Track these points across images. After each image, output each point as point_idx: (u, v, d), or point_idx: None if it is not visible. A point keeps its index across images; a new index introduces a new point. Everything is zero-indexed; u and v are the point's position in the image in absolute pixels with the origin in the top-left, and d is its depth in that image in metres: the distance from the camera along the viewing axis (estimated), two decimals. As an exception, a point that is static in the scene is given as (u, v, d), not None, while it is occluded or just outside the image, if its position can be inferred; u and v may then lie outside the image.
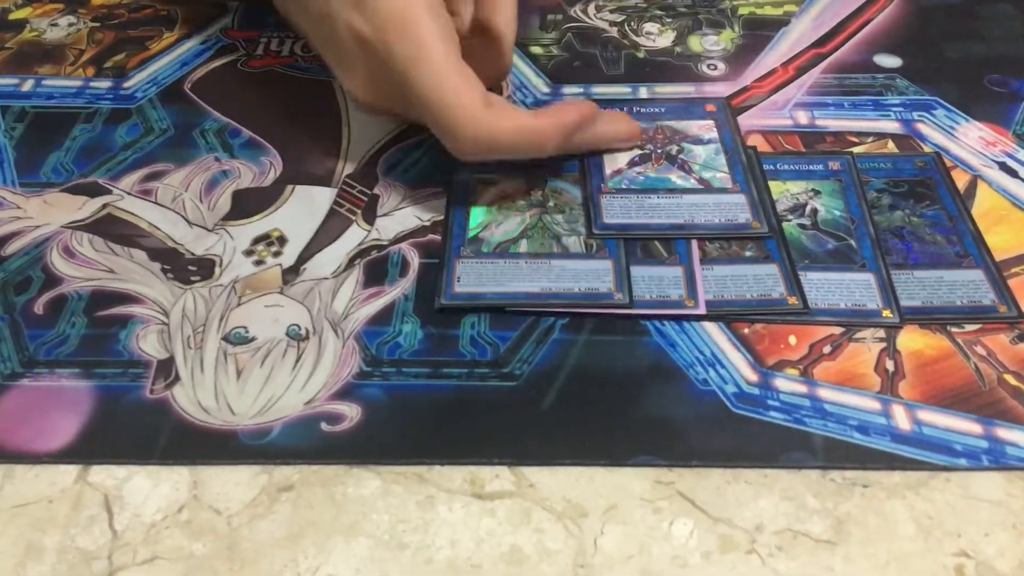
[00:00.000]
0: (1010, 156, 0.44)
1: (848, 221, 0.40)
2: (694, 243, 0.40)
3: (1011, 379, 0.35)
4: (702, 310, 0.37)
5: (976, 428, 0.33)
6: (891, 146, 0.45)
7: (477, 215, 0.41)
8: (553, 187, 0.43)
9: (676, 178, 0.43)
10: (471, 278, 0.38)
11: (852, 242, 0.40)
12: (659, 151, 0.44)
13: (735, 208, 0.41)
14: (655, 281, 0.38)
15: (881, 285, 0.38)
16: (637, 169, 0.43)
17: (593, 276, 0.38)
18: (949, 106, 0.47)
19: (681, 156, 0.44)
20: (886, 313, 0.37)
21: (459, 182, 0.43)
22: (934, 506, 0.32)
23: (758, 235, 0.40)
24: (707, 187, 0.42)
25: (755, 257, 0.39)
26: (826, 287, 0.38)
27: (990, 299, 0.37)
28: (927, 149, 0.44)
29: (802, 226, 0.40)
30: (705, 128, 0.46)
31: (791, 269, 0.38)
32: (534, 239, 0.40)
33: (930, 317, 0.37)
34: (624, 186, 0.42)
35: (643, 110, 0.47)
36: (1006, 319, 0.37)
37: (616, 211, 0.41)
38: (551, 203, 0.42)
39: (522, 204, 0.42)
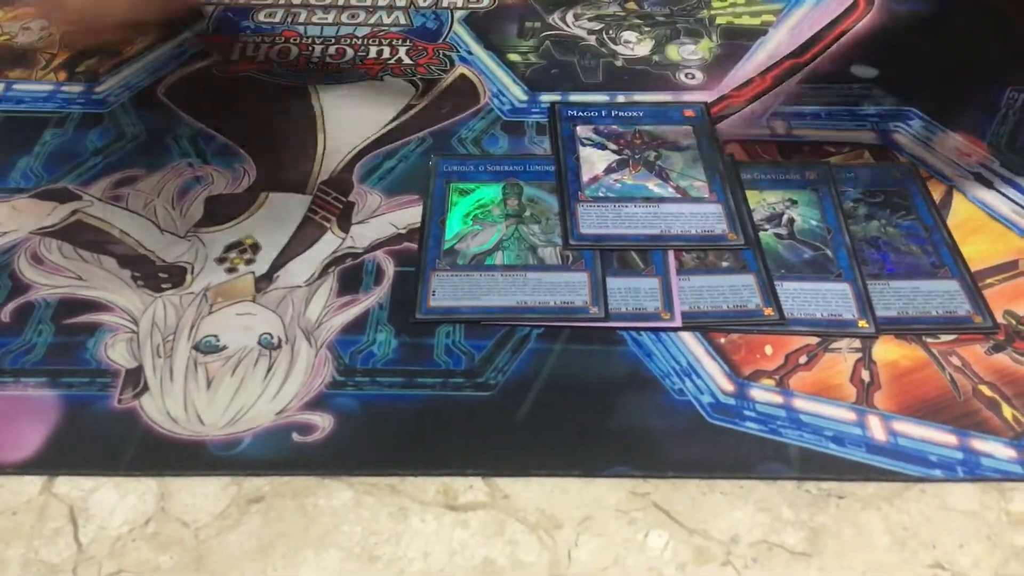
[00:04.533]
0: (985, 167, 0.44)
1: (824, 231, 0.40)
2: (671, 253, 0.39)
3: (986, 390, 0.35)
4: (678, 322, 0.37)
5: (951, 439, 0.33)
6: (867, 156, 0.45)
7: (453, 226, 0.41)
8: (530, 196, 0.42)
9: (653, 186, 0.43)
10: (447, 291, 0.38)
11: (828, 252, 0.39)
12: (637, 157, 0.44)
13: (711, 218, 0.41)
14: (631, 293, 0.38)
15: (857, 295, 0.38)
16: (614, 176, 0.43)
17: (569, 289, 0.38)
18: (925, 116, 0.47)
19: (659, 163, 0.44)
20: (862, 323, 0.37)
21: (435, 192, 0.43)
22: (909, 517, 0.31)
23: (734, 246, 0.40)
24: (684, 196, 0.42)
25: (732, 267, 0.39)
26: (802, 297, 0.38)
27: (965, 309, 0.37)
28: (903, 160, 0.45)
29: (778, 235, 0.40)
30: (683, 134, 0.45)
31: (767, 280, 0.38)
32: (510, 250, 0.40)
33: (906, 327, 0.37)
34: (601, 194, 0.42)
35: (621, 114, 0.47)
36: (981, 330, 0.37)
37: (592, 220, 0.41)
38: (527, 213, 0.42)
39: (498, 214, 0.42)
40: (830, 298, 0.38)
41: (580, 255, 0.39)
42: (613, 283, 0.38)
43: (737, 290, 0.38)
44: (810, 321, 0.37)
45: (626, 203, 0.42)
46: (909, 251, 0.40)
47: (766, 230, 0.41)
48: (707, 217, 0.41)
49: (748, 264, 0.39)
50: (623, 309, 0.37)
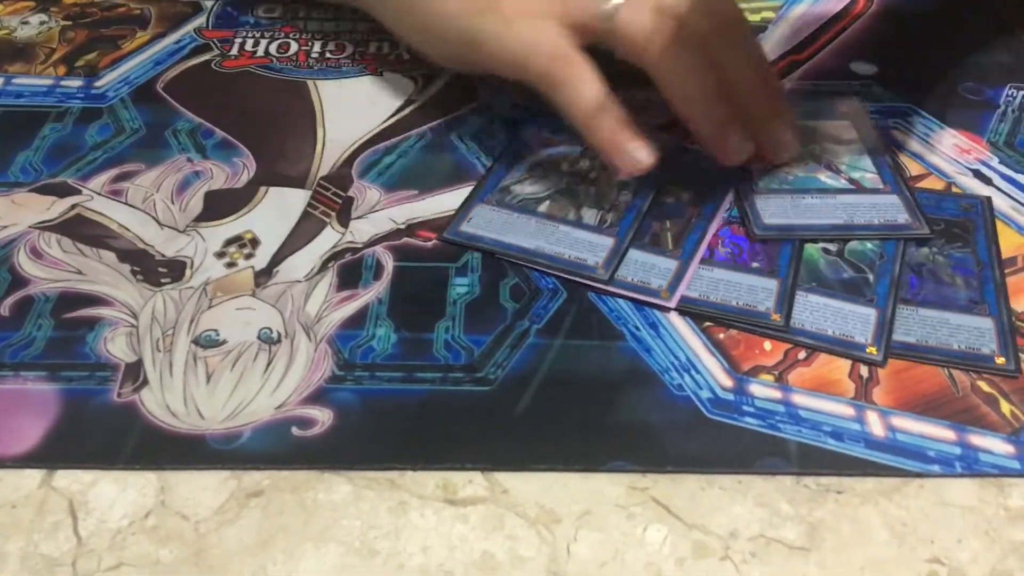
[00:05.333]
0: (984, 163, 0.44)
1: (877, 256, 0.39)
2: (704, 242, 0.39)
3: (984, 385, 0.35)
4: (673, 304, 0.37)
5: (949, 434, 0.33)
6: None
7: (518, 169, 0.43)
8: (602, 165, 0.43)
9: (825, 178, 0.43)
10: (480, 222, 0.40)
11: (870, 276, 0.38)
12: (802, 149, 0.44)
13: (892, 209, 0.41)
14: (644, 267, 0.38)
15: (880, 322, 0.37)
16: (784, 168, 0.43)
17: (588, 248, 0.39)
18: (924, 113, 0.47)
19: (825, 156, 0.44)
20: (870, 350, 0.36)
21: (523, 136, 0.45)
22: (908, 512, 0.32)
23: (919, 235, 0.40)
24: (858, 187, 0.42)
25: (760, 270, 0.39)
26: (821, 312, 0.37)
27: (990, 348, 0.36)
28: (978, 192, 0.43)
29: (826, 251, 0.40)
30: (842, 128, 0.45)
31: (790, 289, 0.38)
32: (556, 202, 0.41)
33: (920, 355, 0.36)
34: (775, 186, 0.42)
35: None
36: (1000, 371, 0.35)
37: (774, 211, 0.41)
38: (592, 174, 0.43)
39: (564, 167, 0.43)
40: (850, 319, 0.37)
41: (616, 220, 0.40)
42: (634, 254, 0.39)
43: (754, 291, 0.38)
44: (816, 335, 0.36)
45: (803, 195, 0.42)
46: (952, 282, 0.38)
47: (816, 242, 0.40)
48: (888, 208, 0.41)
49: (779, 270, 0.39)
50: (628, 279, 0.38)
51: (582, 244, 0.39)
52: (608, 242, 0.39)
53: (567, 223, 0.40)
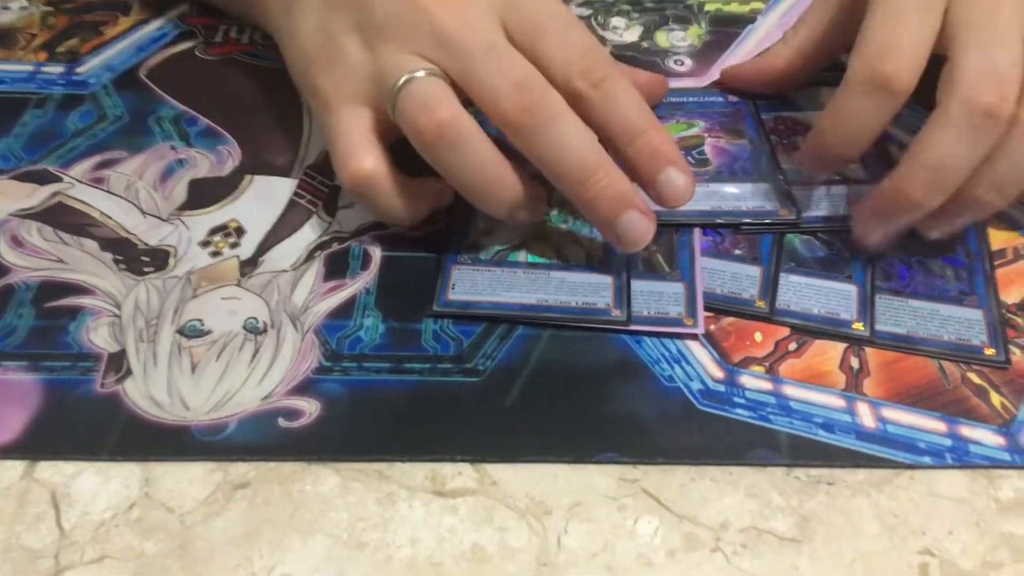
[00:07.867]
0: (973, 156, 0.44)
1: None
2: (697, 259, 0.38)
3: (975, 377, 0.35)
4: (700, 330, 0.36)
5: (940, 426, 0.33)
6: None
7: (478, 220, 0.40)
8: (559, 196, 0.41)
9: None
10: (466, 285, 0.37)
11: (847, 253, 0.39)
12: (785, 142, 0.44)
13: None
14: (655, 296, 0.37)
15: (862, 299, 0.37)
16: None
17: (591, 290, 0.37)
18: (916, 107, 0.47)
19: None
20: (856, 325, 0.36)
21: None
22: (898, 504, 0.31)
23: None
24: (842, 179, 0.42)
25: (743, 256, 0.38)
26: (803, 291, 0.37)
27: (980, 340, 0.36)
28: None
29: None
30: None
31: (773, 275, 0.38)
32: (534, 248, 0.39)
33: (910, 347, 0.36)
34: None
35: (765, 101, 0.46)
36: (990, 362, 0.35)
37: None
38: (555, 212, 0.41)
39: None
40: (833, 298, 0.37)
41: (605, 257, 0.38)
42: (637, 286, 0.37)
43: (739, 278, 0.38)
44: (802, 315, 0.36)
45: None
46: (942, 274, 0.38)
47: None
48: (868, 197, 0.40)
49: (761, 258, 0.38)
50: (645, 313, 0.37)
51: (582, 287, 0.37)
52: (606, 280, 0.38)
53: (557, 268, 0.38)
